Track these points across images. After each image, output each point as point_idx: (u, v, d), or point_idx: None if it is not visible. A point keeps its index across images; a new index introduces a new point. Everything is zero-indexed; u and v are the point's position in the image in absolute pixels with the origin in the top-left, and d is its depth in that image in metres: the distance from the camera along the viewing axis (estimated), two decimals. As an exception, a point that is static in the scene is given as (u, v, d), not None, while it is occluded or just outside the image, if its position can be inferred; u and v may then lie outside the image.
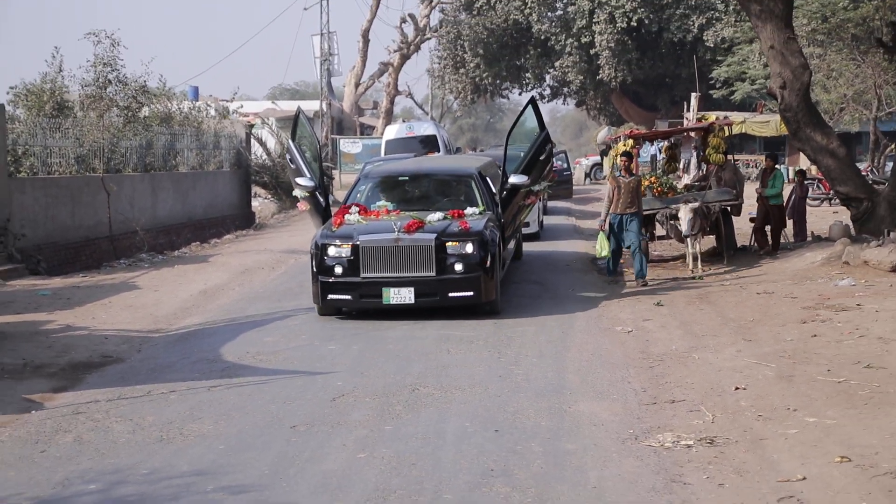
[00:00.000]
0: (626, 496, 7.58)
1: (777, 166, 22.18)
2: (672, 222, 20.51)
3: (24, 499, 7.88)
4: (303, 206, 17.63)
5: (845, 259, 18.12)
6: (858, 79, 39.74)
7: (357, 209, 16.23)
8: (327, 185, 21.79)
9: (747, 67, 47.80)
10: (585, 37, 53.52)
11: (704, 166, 22.12)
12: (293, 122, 18.27)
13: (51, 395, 11.34)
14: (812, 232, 23.01)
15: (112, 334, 14.68)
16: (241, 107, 41.12)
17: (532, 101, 17.67)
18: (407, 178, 18.03)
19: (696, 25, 52.08)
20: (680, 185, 21.31)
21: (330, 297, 15.18)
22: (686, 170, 23.39)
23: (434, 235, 15.00)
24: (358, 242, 15.03)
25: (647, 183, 20.49)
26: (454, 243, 15.04)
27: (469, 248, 15.02)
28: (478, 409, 10.13)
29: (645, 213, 20.40)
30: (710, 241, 22.17)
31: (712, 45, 51.33)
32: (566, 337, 13.84)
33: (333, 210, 16.90)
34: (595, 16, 52.62)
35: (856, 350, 11.79)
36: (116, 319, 15.93)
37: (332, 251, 15.18)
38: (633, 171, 18.98)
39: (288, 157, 17.96)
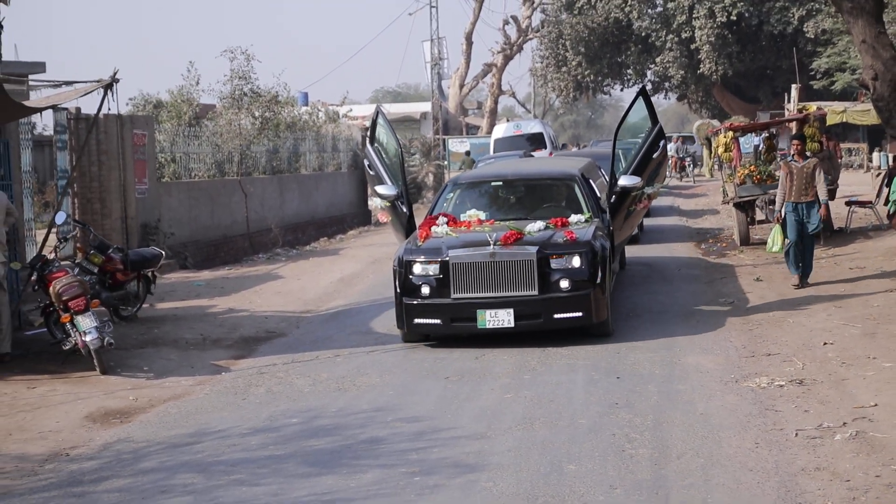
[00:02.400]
0: (728, 419, 9.32)
1: None
2: (771, 207, 21.93)
3: (243, 429, 9.90)
4: (383, 216, 15.86)
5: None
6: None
7: (445, 220, 14.44)
8: (412, 192, 22.03)
9: (847, 57, 48.52)
10: (686, 32, 54.58)
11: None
12: (371, 124, 16.33)
13: (233, 361, 13.40)
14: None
15: (270, 314, 16.67)
16: (351, 110, 43.14)
17: (643, 92, 15.64)
18: (500, 183, 15.94)
19: (795, 17, 52.78)
20: (777, 173, 22.71)
21: (417, 321, 13.29)
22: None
23: (535, 248, 13.09)
24: (448, 258, 13.15)
25: (746, 171, 21.98)
26: (559, 256, 13.14)
27: (576, 261, 13.10)
28: (600, 363, 11.92)
29: (745, 198, 21.99)
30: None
31: (812, 37, 52.04)
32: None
33: (419, 221, 15.29)
34: (695, 11, 53.67)
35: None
36: (270, 303, 17.91)
37: (417, 268, 13.33)
38: (809, 155, 17.58)
39: (366, 162, 16.12)
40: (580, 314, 13.03)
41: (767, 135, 25.03)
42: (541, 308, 12.99)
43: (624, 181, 14.57)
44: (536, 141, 42.55)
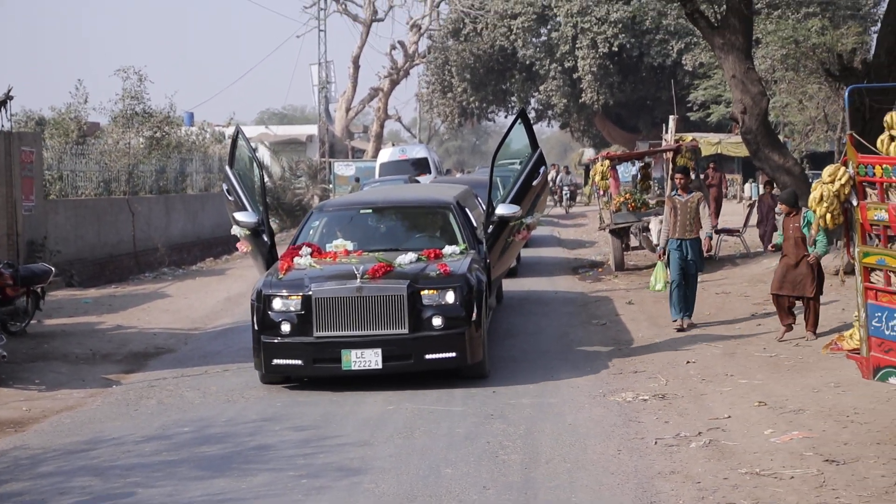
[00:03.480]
0: (594, 429, 10.05)
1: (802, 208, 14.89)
2: (644, 234, 22.91)
3: (136, 437, 10.37)
4: (243, 246, 14.46)
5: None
6: (830, 100, 42.11)
7: (309, 250, 13.37)
8: (298, 215, 21.25)
9: (723, 90, 50.01)
10: (569, 61, 55.77)
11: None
12: (231, 144, 15.12)
13: (124, 375, 13.82)
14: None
15: (159, 331, 17.04)
16: (237, 132, 43.47)
17: (522, 114, 15.14)
18: (370, 210, 14.91)
19: (674, 50, 54.27)
20: (652, 201, 23.71)
21: (276, 361, 12.20)
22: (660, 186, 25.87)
23: (406, 282, 12.11)
24: (310, 293, 12.07)
25: (622, 199, 22.95)
26: (431, 292, 12.19)
27: (450, 297, 12.16)
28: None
29: (620, 225, 22.94)
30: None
31: (690, 69, 53.60)
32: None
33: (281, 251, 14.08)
34: (578, 41, 54.88)
35: (792, 335, 14.17)
36: (158, 321, 18.26)
37: (277, 304, 12.23)
38: (691, 189, 16.79)
39: (224, 186, 14.87)
40: (454, 354, 12.07)
41: (643, 164, 26.09)
42: (411, 348, 11.99)
43: (502, 210, 13.95)
44: (421, 166, 43.41)
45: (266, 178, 41.53)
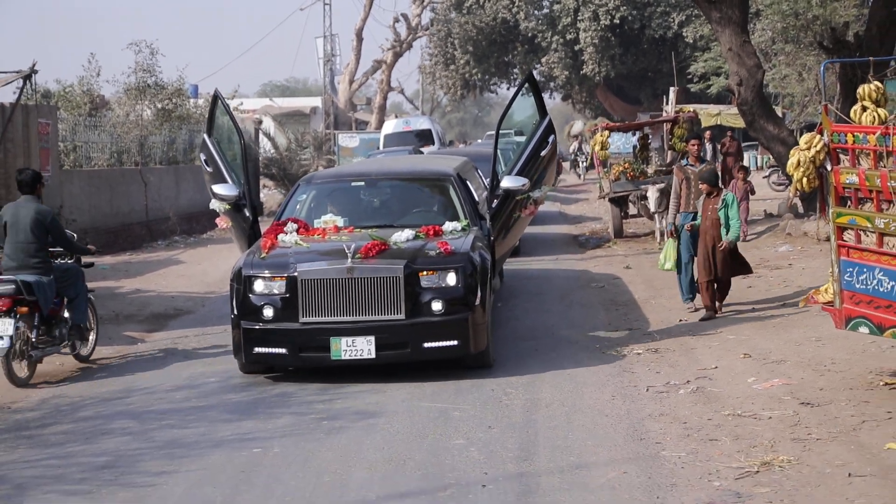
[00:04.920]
0: (591, 378, 10.88)
1: (723, 189, 14.88)
2: (643, 202, 23.65)
3: (167, 387, 11.29)
4: (222, 222, 13.41)
5: (788, 231, 21.30)
6: (829, 72, 42.70)
7: (295, 226, 12.16)
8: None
9: (723, 63, 50.52)
10: (570, 33, 56.31)
11: (671, 153, 25.28)
12: (209, 111, 13.97)
13: (147, 334, 14.63)
14: (765, 210, 26.17)
15: (176, 295, 17.85)
16: (242, 104, 44.16)
17: (530, 78, 13.72)
18: (363, 183, 13.63)
19: (675, 22, 54.78)
20: (650, 170, 24.44)
21: (257, 350, 11.08)
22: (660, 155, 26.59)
23: (403, 262, 11.02)
24: (296, 274, 10.95)
25: (621, 168, 23.72)
26: (431, 273, 11.06)
27: (452, 278, 11.05)
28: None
29: (619, 194, 23.69)
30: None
31: (691, 42, 54.11)
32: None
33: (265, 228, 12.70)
34: (580, 13, 55.41)
35: (779, 295, 14.97)
36: (175, 285, 19.07)
37: (259, 286, 11.07)
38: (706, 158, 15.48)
39: (202, 156, 13.73)
40: (455, 343, 10.97)
41: (642, 135, 26.78)
42: (408, 335, 10.90)
43: (507, 182, 12.57)
44: (425, 137, 44.00)
45: (272, 150, 42.46)
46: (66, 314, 12.35)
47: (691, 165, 14.86)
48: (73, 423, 9.84)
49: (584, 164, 53.50)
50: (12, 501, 7.72)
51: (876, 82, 9.28)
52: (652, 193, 22.14)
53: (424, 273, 11.03)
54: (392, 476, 8.05)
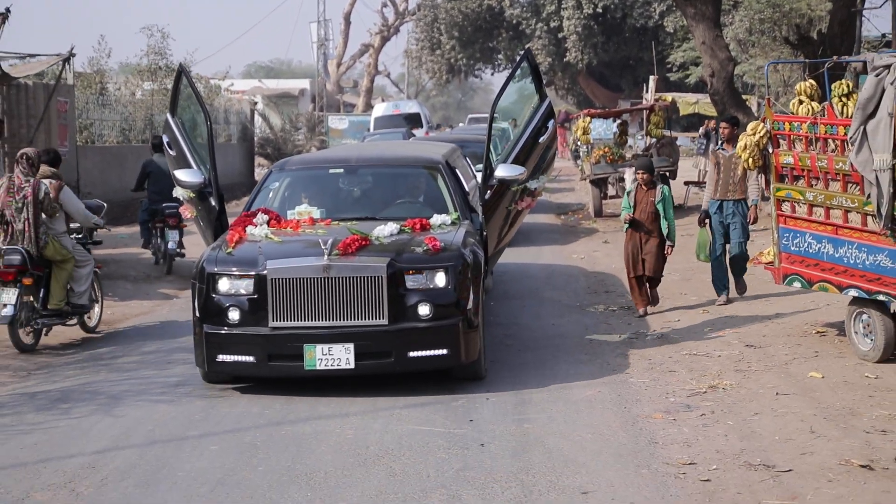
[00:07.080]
0: (572, 328, 12.88)
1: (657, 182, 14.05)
2: (621, 184, 25.61)
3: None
4: (186, 211, 12.37)
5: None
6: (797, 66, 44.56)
7: (266, 218, 10.88)
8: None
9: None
10: (554, 21, 57.82)
11: (648, 139, 27.24)
12: (173, 88, 12.47)
13: (180, 291, 16.46)
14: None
15: (194, 258, 19.62)
16: (232, 84, 45.59)
17: (528, 55, 12.04)
18: (341, 170, 12.33)
19: (656, 12, 56.28)
20: (628, 154, 26.37)
21: (221, 357, 9.87)
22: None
23: (385, 260, 9.77)
24: (265, 272, 9.72)
25: (601, 152, 25.65)
26: (417, 272, 9.85)
27: (441, 279, 9.86)
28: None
29: (598, 176, 25.63)
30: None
31: (672, 31, 55.70)
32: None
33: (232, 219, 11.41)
34: (563, 2, 56.96)
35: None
36: (194, 253, 20.76)
37: (224, 285, 9.88)
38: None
39: (165, 139, 12.46)
40: (444, 351, 9.80)
41: (620, 121, 28.71)
42: (391, 343, 9.70)
43: (502, 171, 11.32)
44: (413, 120, 45.65)
45: (267, 130, 44.23)
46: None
47: (723, 150, 14.07)
48: (140, 355, 11.81)
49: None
50: (112, 407, 9.62)
51: (811, 80, 11.21)
52: (629, 176, 24.04)
53: (410, 272, 9.81)
54: None
